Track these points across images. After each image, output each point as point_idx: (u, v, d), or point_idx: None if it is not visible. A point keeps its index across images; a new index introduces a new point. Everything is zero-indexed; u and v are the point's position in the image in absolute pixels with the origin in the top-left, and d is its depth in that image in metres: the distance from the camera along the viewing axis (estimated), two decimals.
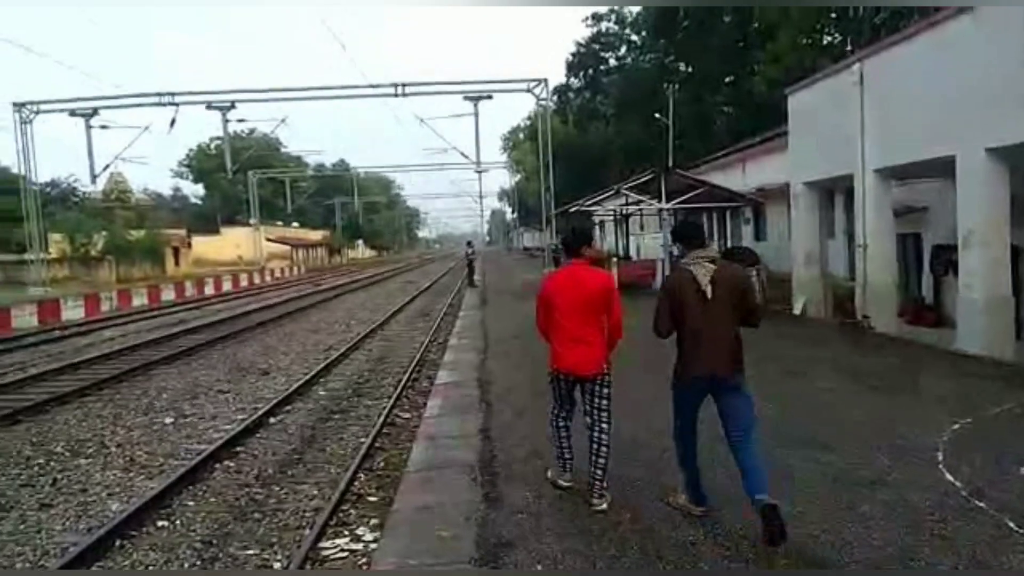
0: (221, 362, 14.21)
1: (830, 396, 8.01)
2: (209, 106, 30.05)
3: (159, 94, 29.23)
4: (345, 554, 5.43)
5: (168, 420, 9.68)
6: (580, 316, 4.95)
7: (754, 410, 4.63)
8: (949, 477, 5.28)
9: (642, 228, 31.23)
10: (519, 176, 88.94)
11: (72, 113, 30.10)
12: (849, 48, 27.21)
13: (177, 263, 55.65)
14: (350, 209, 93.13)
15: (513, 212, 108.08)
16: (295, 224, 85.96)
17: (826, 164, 14.24)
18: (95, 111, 30.08)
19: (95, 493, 6.95)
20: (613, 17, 52.10)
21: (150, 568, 5.38)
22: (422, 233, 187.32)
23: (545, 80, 30.41)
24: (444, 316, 20.54)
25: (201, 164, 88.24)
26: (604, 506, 4.89)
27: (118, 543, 5.70)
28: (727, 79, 42.82)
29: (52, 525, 6.18)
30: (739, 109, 40.81)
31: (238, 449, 8.23)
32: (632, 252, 31.04)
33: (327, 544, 5.58)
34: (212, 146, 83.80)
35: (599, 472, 4.95)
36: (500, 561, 4.22)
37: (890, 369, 9.55)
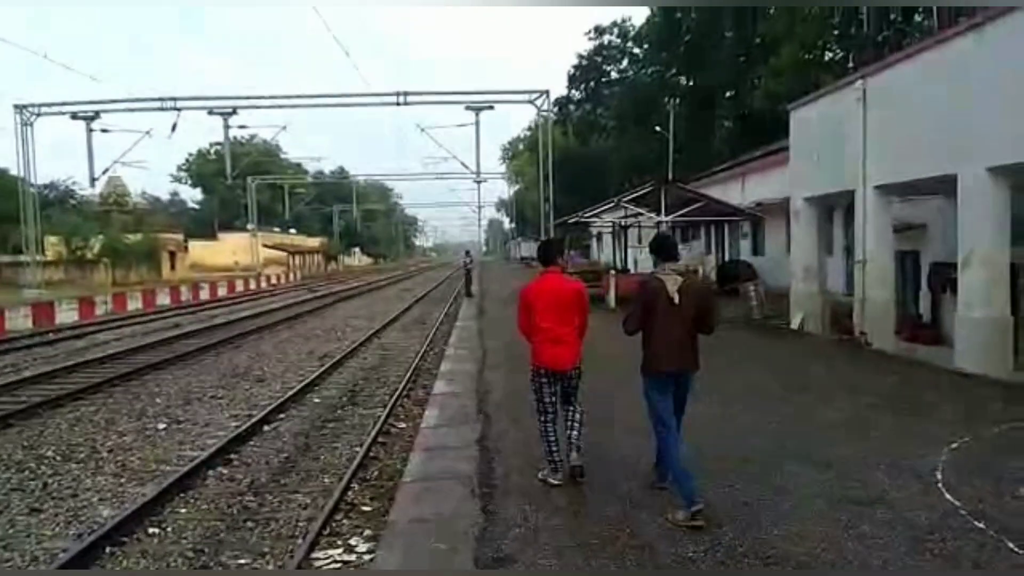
0: (215, 368, 14.12)
1: (829, 413, 7.97)
2: (211, 112, 30.04)
3: (161, 99, 29.24)
4: (338, 565, 5.36)
5: (161, 426, 9.59)
6: (557, 318, 5.63)
7: (686, 403, 5.44)
8: (949, 497, 5.24)
9: (640, 241, 31.20)
10: (518, 186, 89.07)
11: (74, 116, 30.08)
12: (851, 65, 27.31)
13: (173, 267, 55.51)
14: (348, 217, 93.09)
15: (511, 222, 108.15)
16: (292, 231, 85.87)
17: (827, 180, 14.25)
18: (97, 114, 30.07)
19: (86, 498, 6.87)
20: (616, 31, 52.33)
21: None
22: (419, 242, 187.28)
23: (547, 92, 30.45)
24: (440, 325, 20.48)
25: (200, 169, 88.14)
26: (580, 463, 5.66)
27: (108, 549, 5.62)
28: (728, 93, 42.99)
29: (42, 530, 6.09)
30: (739, 123, 40.95)
31: (231, 456, 8.15)
32: (630, 265, 31.02)
33: (320, 554, 5.51)
34: (212, 151, 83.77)
35: (575, 436, 5.75)
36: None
37: (888, 387, 9.52)
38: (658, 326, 5.18)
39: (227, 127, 31.16)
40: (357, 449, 8.20)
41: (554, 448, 5.71)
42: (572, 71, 52.90)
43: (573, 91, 53.36)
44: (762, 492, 5.39)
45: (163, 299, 32.57)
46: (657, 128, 40.16)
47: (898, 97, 11.92)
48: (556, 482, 5.61)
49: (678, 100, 43.28)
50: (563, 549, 4.47)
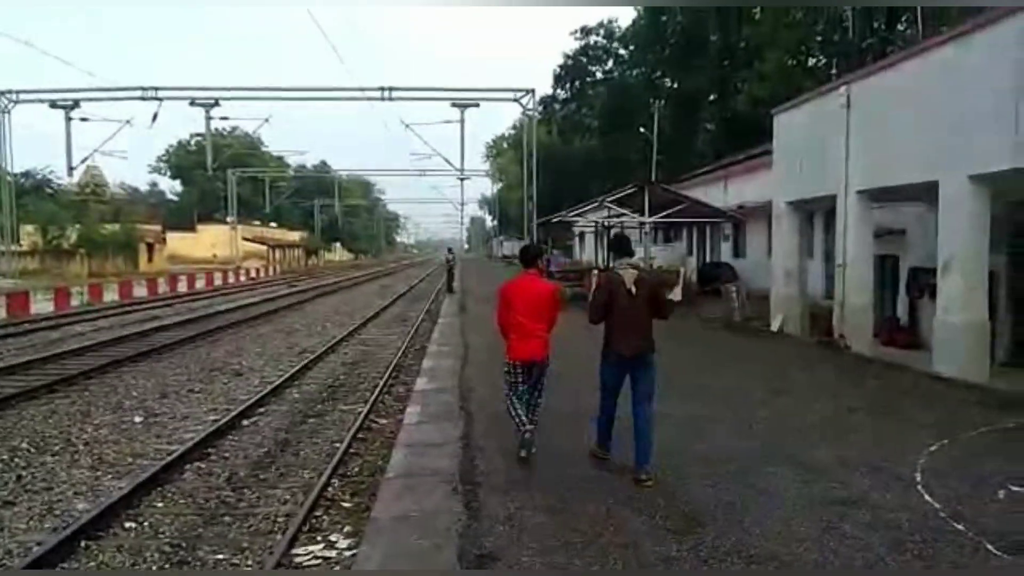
0: (193, 361, 13.97)
1: (809, 415, 8.02)
2: (193, 102, 29.74)
3: (142, 88, 28.89)
4: (319, 561, 5.31)
5: (138, 419, 9.47)
6: (532, 315, 6.22)
7: (656, 381, 5.93)
8: (928, 498, 5.29)
9: None
10: (501, 184, 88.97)
11: (53, 104, 29.62)
12: (834, 71, 27.57)
13: (151, 259, 54.91)
14: (330, 211, 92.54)
15: (493, 220, 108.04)
16: (273, 224, 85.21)
17: (810, 184, 14.36)
18: (76, 103, 29.66)
19: (61, 492, 6.76)
20: (602, 31, 52.41)
21: (115, 569, 5.22)
22: (401, 238, 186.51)
23: (532, 90, 30.45)
24: (422, 322, 20.41)
25: (180, 160, 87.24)
26: (532, 441, 6.13)
27: (84, 543, 5.53)
28: (712, 96, 43.22)
29: (15, 524, 5.99)
30: (722, 126, 41.20)
31: (209, 451, 8.06)
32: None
33: (300, 550, 5.45)
34: (192, 142, 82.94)
35: (535, 418, 6.34)
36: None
37: (867, 389, 9.60)
38: (618, 315, 5.81)
39: (209, 118, 30.88)
40: (338, 445, 8.14)
41: (523, 426, 6.23)
42: (558, 70, 52.92)
43: (558, 90, 53.36)
44: (744, 492, 5.40)
45: (140, 291, 32.17)
46: (641, 129, 40.26)
47: (881, 104, 12.02)
48: (524, 454, 6.20)
49: (663, 102, 43.40)
50: (547, 547, 4.45)
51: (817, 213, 17.16)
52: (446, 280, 30.93)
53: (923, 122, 10.84)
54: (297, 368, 12.77)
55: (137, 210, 67.86)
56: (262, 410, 9.98)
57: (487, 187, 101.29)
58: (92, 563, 5.31)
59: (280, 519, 6.12)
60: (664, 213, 21.04)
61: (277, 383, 11.43)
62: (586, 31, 52.31)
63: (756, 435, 7.09)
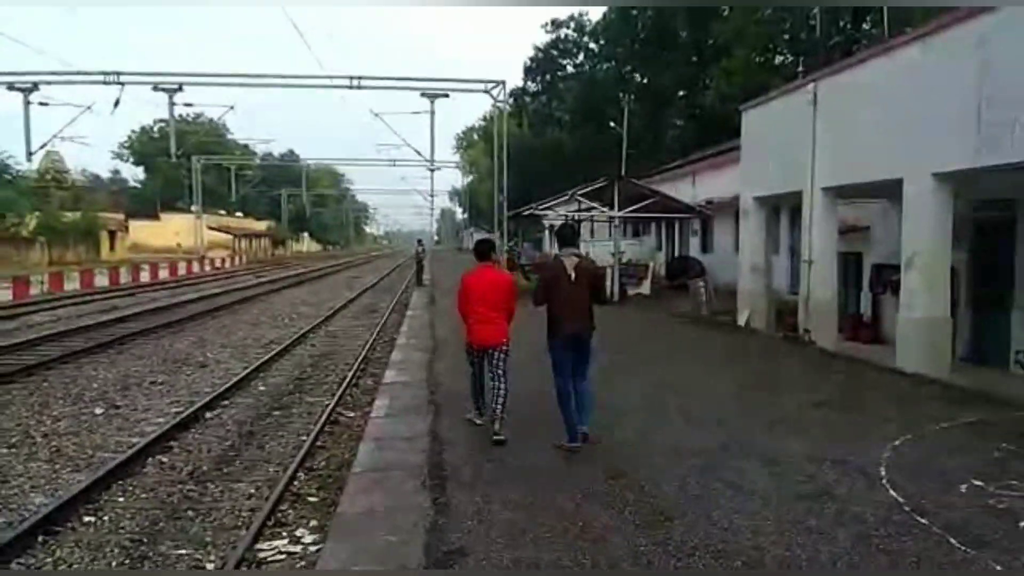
0: (156, 353, 13.71)
1: (776, 410, 8.09)
2: (156, 88, 29.00)
3: (104, 72, 28.03)
4: (283, 556, 5.23)
5: (98, 411, 9.26)
6: (490, 303, 6.74)
7: (592, 356, 6.61)
8: (892, 493, 5.35)
9: (592, 235, 31.35)
10: (471, 177, 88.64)
11: (11, 87, 28.70)
12: (800, 69, 27.83)
13: (113, 248, 53.85)
14: (297, 201, 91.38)
15: (464, 212, 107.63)
16: (239, 213, 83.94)
17: (776, 180, 14.49)
18: (35, 86, 28.66)
19: (17, 485, 6.59)
20: (573, 24, 52.34)
21: (74, 567, 5.09)
22: (370, 229, 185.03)
23: (503, 82, 30.23)
24: (391, 314, 20.26)
25: (143, 147, 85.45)
26: (503, 437, 6.43)
27: (41, 539, 5.39)
28: (681, 92, 43.46)
29: None
30: (692, 122, 41.47)
31: (172, 444, 7.91)
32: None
33: (264, 545, 5.36)
34: (156, 129, 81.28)
35: (499, 410, 6.54)
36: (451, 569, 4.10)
37: (832, 384, 9.71)
38: (560, 299, 6.35)
39: (172, 104, 30.14)
40: (304, 438, 8.04)
41: (480, 399, 7.08)
42: (528, 62, 52.68)
43: (529, 83, 53.20)
44: (713, 486, 5.44)
45: (102, 280, 31.51)
46: (612, 123, 40.33)
47: (848, 102, 12.15)
48: (479, 422, 6.98)
49: (632, 96, 43.49)
50: (515, 542, 4.43)
51: (783, 209, 17.34)
52: (415, 272, 30.75)
53: (888, 120, 10.97)
54: (263, 360, 12.59)
55: (99, 197, 66.29)
56: (227, 403, 9.82)
57: (457, 179, 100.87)
58: (49, 559, 5.17)
59: (244, 514, 6.02)
60: (634, 207, 21.11)
61: (242, 375, 11.26)
62: (557, 24, 52.13)
63: (722, 429, 7.14)
